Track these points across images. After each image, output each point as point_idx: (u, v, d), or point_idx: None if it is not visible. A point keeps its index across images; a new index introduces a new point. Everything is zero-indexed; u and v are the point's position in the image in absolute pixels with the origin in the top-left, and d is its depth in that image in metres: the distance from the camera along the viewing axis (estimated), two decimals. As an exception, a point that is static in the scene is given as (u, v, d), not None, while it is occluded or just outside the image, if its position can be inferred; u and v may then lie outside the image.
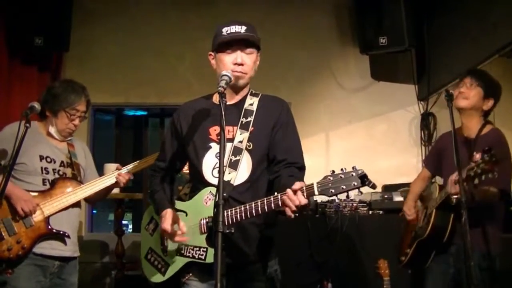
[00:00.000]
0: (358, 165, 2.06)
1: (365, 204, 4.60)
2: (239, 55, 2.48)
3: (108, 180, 3.24)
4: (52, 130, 3.18)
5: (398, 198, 4.56)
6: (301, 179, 2.28)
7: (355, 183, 2.03)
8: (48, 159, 3.12)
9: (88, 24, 5.64)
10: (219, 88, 2.22)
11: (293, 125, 2.59)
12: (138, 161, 3.33)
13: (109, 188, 3.29)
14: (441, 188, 3.07)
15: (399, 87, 5.71)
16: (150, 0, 5.82)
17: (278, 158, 2.46)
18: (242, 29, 2.47)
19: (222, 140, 2.10)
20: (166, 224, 2.46)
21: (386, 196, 4.65)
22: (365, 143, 5.61)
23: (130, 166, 3.30)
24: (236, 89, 2.56)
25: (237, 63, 2.47)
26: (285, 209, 2.14)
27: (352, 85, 5.76)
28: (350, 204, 4.56)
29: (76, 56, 5.53)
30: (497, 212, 3.14)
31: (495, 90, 3.19)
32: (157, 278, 2.59)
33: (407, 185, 3.76)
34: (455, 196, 2.79)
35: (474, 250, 2.82)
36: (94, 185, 3.19)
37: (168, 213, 2.50)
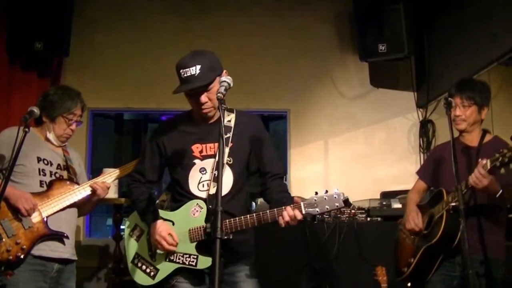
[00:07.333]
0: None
1: (363, 211, 4.59)
2: (201, 98, 2.57)
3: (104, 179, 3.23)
4: (50, 136, 3.20)
5: (396, 205, 4.56)
6: (287, 191, 2.75)
7: (337, 204, 2.38)
8: (46, 161, 3.12)
9: (88, 29, 5.67)
10: (218, 95, 2.29)
11: (269, 138, 2.82)
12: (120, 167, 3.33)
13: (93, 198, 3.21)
14: (448, 193, 3.00)
15: (398, 94, 5.73)
16: (151, 6, 5.84)
17: (263, 171, 2.73)
18: (196, 69, 2.52)
19: (221, 146, 2.18)
20: (163, 233, 2.62)
21: (384, 203, 4.64)
22: (364, 150, 5.62)
23: (112, 173, 3.27)
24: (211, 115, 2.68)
25: (202, 104, 2.58)
26: (280, 221, 2.44)
27: (352, 92, 5.78)
28: (349, 211, 4.53)
29: (76, 61, 5.55)
30: (500, 218, 3.11)
31: (486, 96, 3.15)
32: (147, 281, 2.72)
33: (406, 192, 3.74)
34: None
35: (474, 256, 2.81)
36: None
37: (161, 224, 2.66)
